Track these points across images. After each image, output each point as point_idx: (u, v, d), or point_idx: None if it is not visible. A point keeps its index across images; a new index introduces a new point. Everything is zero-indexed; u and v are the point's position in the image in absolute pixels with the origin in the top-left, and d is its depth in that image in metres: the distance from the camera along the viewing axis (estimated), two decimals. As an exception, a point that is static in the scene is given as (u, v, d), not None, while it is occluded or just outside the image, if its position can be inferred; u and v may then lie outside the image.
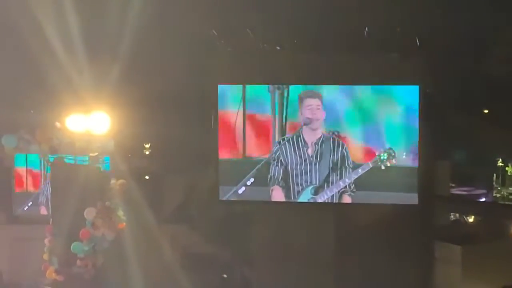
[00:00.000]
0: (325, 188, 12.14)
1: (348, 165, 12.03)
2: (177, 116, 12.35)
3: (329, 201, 12.18)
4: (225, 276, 12.57)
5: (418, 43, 11.80)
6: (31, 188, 14.09)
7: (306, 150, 12.20)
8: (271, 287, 12.29)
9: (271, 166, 12.27)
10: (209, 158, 12.57)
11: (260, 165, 12.26)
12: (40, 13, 11.96)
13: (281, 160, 12.24)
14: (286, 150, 12.26)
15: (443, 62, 11.77)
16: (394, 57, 11.86)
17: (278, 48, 12.28)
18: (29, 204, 14.11)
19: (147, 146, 13.20)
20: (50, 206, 13.19)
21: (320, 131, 12.16)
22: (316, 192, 12.17)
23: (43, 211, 13.93)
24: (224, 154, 12.41)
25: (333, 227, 12.29)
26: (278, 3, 11.57)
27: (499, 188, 13.07)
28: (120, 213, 12.26)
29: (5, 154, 13.27)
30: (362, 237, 12.05)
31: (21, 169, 14.05)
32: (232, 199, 12.38)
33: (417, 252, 11.97)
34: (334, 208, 12.24)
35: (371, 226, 12.00)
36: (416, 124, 11.76)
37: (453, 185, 12.58)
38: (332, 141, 12.08)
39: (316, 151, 12.17)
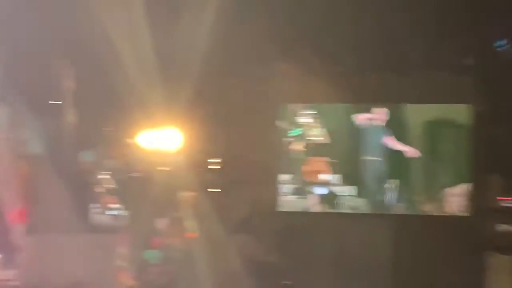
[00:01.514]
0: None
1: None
2: (243, 133, 13.41)
3: (385, 212, 13.28)
4: (288, 283, 13.42)
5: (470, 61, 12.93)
6: (107, 200, 15.00)
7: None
8: None
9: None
10: (271, 173, 13.75)
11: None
12: (116, 37, 13.29)
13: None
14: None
15: (496, 80, 12.73)
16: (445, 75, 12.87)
17: (339, 68, 13.37)
18: (105, 214, 15.04)
19: (215, 160, 14.35)
20: (124, 216, 14.53)
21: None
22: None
23: (119, 221, 14.81)
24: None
25: (388, 238, 13.11)
26: (338, 25, 12.86)
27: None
28: (190, 223, 13.51)
29: (84, 168, 14.73)
30: (415, 248, 12.87)
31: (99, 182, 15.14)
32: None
33: (469, 263, 12.67)
34: (390, 218, 13.21)
35: (423, 237, 12.86)
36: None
37: (503, 197, 13.43)
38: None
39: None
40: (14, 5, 14.24)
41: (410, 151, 13.03)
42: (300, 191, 13.76)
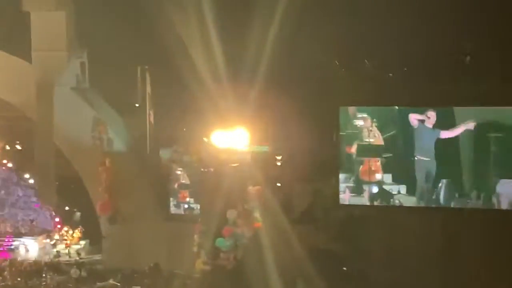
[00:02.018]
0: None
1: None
2: (305, 132, 14.43)
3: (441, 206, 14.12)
4: (344, 269, 14.43)
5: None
6: (184, 192, 16.62)
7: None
8: (385, 280, 13.86)
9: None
10: (331, 168, 14.63)
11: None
12: (190, 44, 14.81)
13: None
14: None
15: None
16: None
17: (390, 75, 14.43)
18: (182, 206, 16.65)
19: (279, 157, 15.49)
20: (198, 208, 16.09)
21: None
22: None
23: (194, 212, 16.44)
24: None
25: (444, 231, 13.96)
26: (387, 34, 13.81)
27: None
28: (257, 214, 14.58)
29: (162, 164, 16.36)
30: (470, 241, 13.56)
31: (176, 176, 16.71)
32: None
33: None
34: (448, 212, 14.00)
35: (483, 231, 13.53)
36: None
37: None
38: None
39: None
40: (101, 15, 16.04)
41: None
42: (357, 189, 14.61)
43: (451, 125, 14.11)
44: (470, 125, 13.92)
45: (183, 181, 16.53)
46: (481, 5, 13.49)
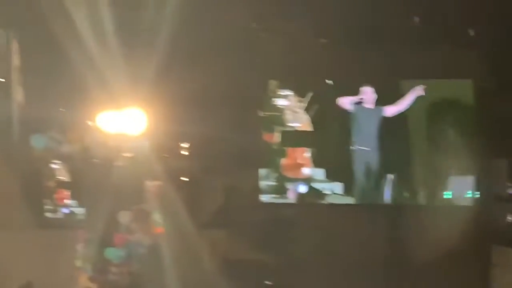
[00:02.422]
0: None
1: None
2: (219, 115, 12.67)
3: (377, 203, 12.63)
4: (268, 282, 12.82)
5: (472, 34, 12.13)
6: (62, 191, 14.26)
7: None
8: None
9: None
10: (252, 159, 12.98)
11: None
12: (72, 6, 12.31)
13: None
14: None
15: (500, 54, 12.02)
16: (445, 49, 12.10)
17: (323, 40, 12.54)
18: (61, 208, 14.29)
19: (186, 146, 13.66)
20: (83, 210, 13.79)
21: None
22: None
23: (76, 215, 14.08)
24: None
25: (382, 230, 12.59)
26: None
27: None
28: (157, 216, 12.71)
29: (35, 155, 13.82)
30: (413, 241, 12.34)
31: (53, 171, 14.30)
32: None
33: (474, 257, 12.15)
34: (383, 210, 12.65)
35: (423, 229, 12.17)
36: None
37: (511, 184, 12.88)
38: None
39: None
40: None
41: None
42: (277, 189, 13.11)
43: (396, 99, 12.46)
44: (421, 91, 12.26)
45: (62, 178, 14.22)
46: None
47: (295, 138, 12.99)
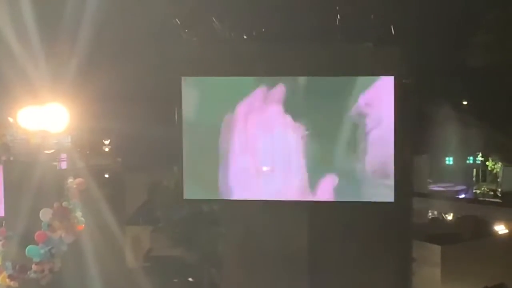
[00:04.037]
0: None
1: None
2: (139, 111, 12.80)
3: (302, 200, 12.59)
4: (191, 280, 13.12)
5: (393, 32, 12.48)
6: None
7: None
8: None
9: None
10: (173, 155, 12.90)
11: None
12: None
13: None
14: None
15: (420, 52, 12.42)
16: (367, 46, 12.32)
17: (245, 37, 12.74)
18: None
19: (107, 142, 13.72)
20: (3, 206, 13.43)
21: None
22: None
23: None
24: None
25: (306, 227, 12.72)
26: None
27: (479, 183, 13.75)
28: (79, 214, 12.48)
29: None
30: (336, 237, 12.52)
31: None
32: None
33: (394, 252, 12.46)
34: (308, 206, 12.66)
35: (345, 225, 12.43)
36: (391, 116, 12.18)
37: (431, 181, 13.20)
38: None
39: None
40: None
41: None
42: None
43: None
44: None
45: None
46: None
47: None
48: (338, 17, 12.47)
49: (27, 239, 12.46)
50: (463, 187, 14.00)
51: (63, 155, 13.11)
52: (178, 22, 12.87)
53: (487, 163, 13.96)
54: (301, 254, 12.75)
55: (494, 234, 14.20)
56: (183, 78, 12.68)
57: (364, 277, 12.36)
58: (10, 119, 13.02)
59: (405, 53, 12.26)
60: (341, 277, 12.48)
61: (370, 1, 12.40)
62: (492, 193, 14.34)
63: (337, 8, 12.56)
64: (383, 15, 12.35)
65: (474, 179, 13.99)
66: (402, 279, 12.62)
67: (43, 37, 12.48)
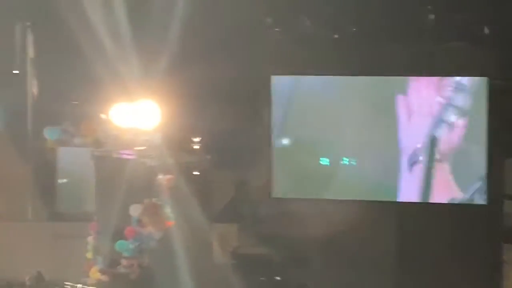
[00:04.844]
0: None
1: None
2: (229, 109, 13.08)
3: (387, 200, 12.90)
4: (278, 278, 13.32)
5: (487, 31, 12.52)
6: (74, 183, 14.92)
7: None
8: None
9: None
10: (262, 154, 13.38)
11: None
12: (86, 1, 12.97)
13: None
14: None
15: None
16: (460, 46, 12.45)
17: (336, 36, 13.01)
18: (72, 200, 14.96)
19: (197, 140, 14.10)
20: (94, 202, 14.13)
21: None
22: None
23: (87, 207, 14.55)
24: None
25: (395, 227, 12.91)
26: None
27: None
28: (168, 210, 13.14)
29: (48, 147, 14.34)
30: (426, 239, 12.68)
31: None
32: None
33: (485, 255, 12.51)
34: (393, 207, 12.93)
35: (436, 228, 12.62)
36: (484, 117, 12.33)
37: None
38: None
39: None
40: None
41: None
42: None
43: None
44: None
45: (74, 169, 14.86)
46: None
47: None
48: (432, 16, 12.64)
49: (117, 234, 13.14)
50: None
51: (154, 152, 13.38)
52: (269, 21, 13.24)
53: None
54: (389, 254, 12.91)
55: None
56: (272, 77, 13.12)
57: (454, 280, 12.49)
58: (103, 116, 13.65)
59: (499, 53, 12.35)
60: (431, 279, 12.64)
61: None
62: None
63: (429, 7, 12.72)
64: (477, 14, 12.47)
65: None
66: (493, 282, 12.64)
67: (135, 35, 13.01)
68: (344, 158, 13.09)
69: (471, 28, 12.63)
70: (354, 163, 13.07)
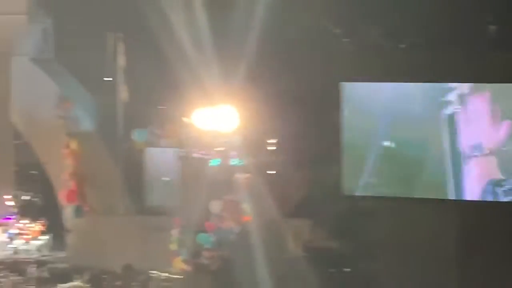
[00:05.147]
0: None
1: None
2: (303, 112, 13.75)
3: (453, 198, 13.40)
4: (347, 270, 13.68)
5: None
6: (159, 180, 15.60)
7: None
8: (394, 283, 13.31)
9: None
10: (333, 155, 13.90)
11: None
12: (171, 11, 13.91)
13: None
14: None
15: None
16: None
17: (402, 46, 13.53)
18: (157, 196, 15.67)
19: (272, 141, 14.63)
20: (178, 198, 15.05)
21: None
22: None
23: (172, 203, 15.19)
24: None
25: (455, 225, 13.25)
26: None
27: None
28: (245, 206, 13.90)
29: (136, 148, 15.36)
30: (487, 236, 12.90)
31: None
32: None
33: None
34: (458, 205, 13.40)
35: (497, 225, 12.89)
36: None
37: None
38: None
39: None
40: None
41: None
42: None
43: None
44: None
45: (160, 167, 15.57)
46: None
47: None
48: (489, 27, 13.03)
49: (199, 228, 14.07)
50: None
51: (233, 153, 14.20)
52: (338, 31, 13.89)
53: None
54: (449, 252, 13.24)
55: None
56: (341, 83, 13.89)
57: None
58: (186, 119, 14.55)
59: None
60: (491, 275, 12.86)
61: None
62: None
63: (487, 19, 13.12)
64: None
65: None
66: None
67: (216, 44, 13.83)
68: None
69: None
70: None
